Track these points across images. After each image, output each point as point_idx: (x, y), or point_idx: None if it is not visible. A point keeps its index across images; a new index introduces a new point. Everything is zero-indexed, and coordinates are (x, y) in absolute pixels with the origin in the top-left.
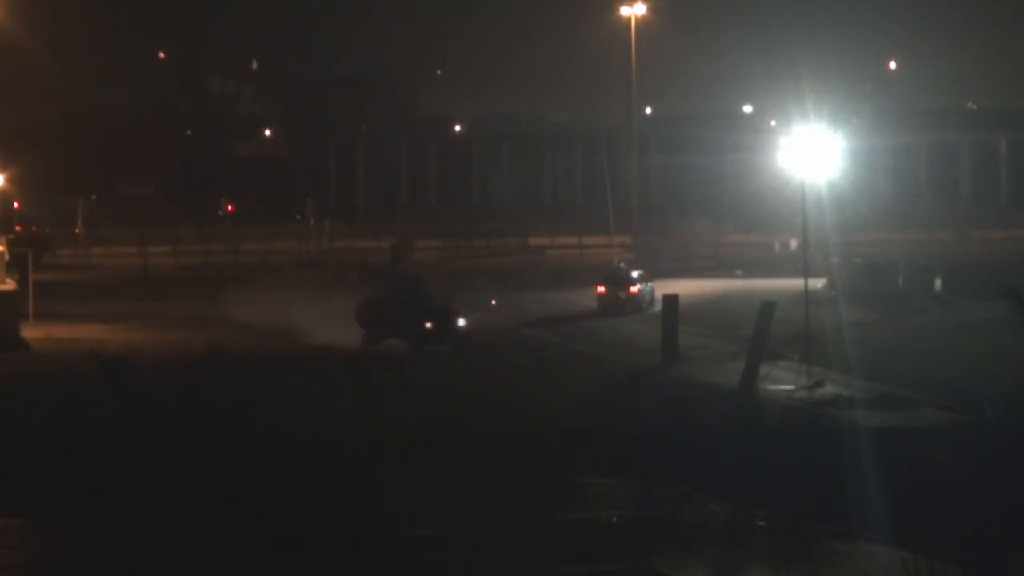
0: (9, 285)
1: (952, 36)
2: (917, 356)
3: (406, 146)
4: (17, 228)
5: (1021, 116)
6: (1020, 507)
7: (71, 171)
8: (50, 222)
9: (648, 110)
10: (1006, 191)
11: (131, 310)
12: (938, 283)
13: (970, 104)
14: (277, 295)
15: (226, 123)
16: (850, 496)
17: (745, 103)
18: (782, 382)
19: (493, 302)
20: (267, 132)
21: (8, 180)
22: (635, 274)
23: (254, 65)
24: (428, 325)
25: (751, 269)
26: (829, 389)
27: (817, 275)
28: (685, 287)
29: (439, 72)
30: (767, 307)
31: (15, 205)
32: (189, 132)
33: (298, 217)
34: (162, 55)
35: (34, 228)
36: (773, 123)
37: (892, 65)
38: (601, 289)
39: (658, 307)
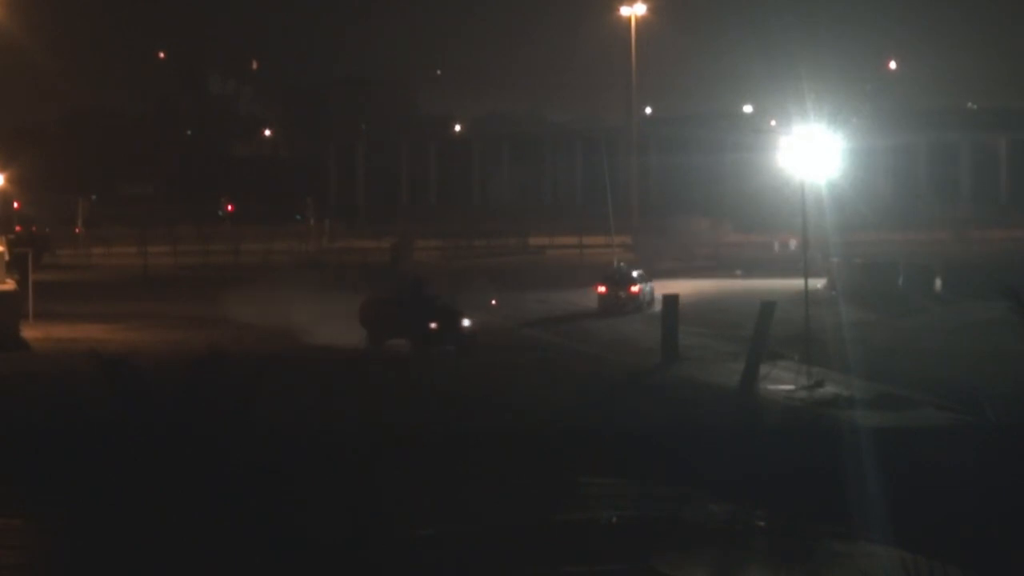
0: (9, 285)
1: (952, 36)
2: (917, 356)
3: (406, 146)
4: (17, 228)
5: (1021, 116)
6: (1020, 507)
7: (71, 171)
8: (50, 222)
9: (648, 110)
10: (1006, 191)
11: (131, 310)
12: (938, 283)
13: (970, 104)
14: (277, 295)
15: (226, 123)
16: (850, 496)
17: (745, 103)
18: (782, 382)
19: (493, 302)
20: (267, 132)
21: (8, 180)
22: (635, 274)
23: (254, 65)
24: (433, 326)
25: (751, 269)
26: (829, 389)
27: (817, 275)
28: (685, 287)
29: (439, 72)
30: (767, 307)
31: (15, 205)
32: (189, 132)
33: (298, 217)
34: (162, 55)
35: (34, 228)
36: (773, 123)
37: (892, 65)
38: (602, 289)
39: (658, 307)
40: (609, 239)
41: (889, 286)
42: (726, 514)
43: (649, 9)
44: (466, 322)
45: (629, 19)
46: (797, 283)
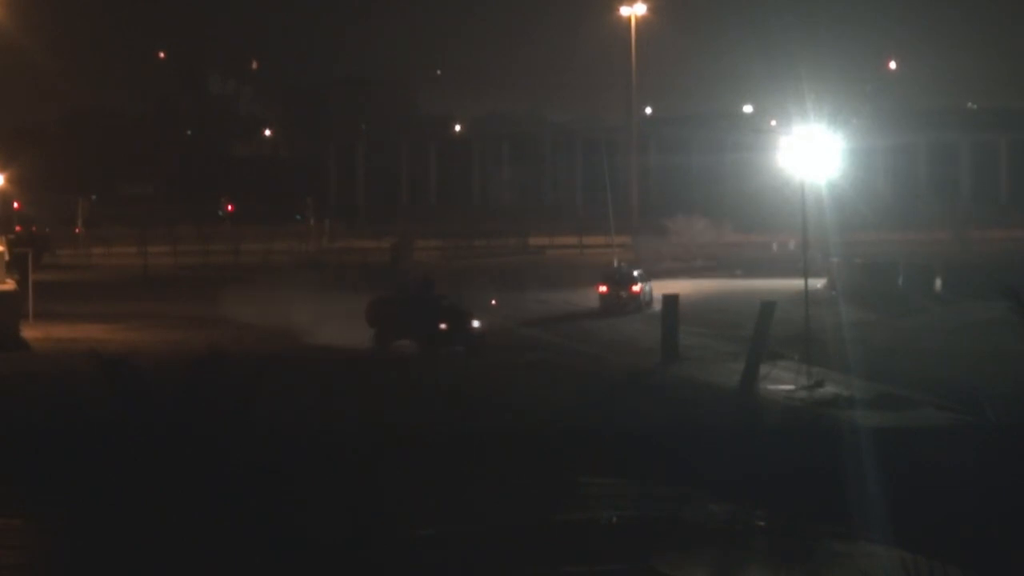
0: (9, 285)
1: (952, 36)
2: (917, 356)
3: (406, 146)
4: (17, 228)
5: (1021, 116)
6: (1020, 507)
7: (71, 171)
8: (50, 222)
9: (648, 110)
10: (1006, 191)
11: (131, 310)
12: (938, 283)
13: (970, 104)
14: (277, 295)
15: (226, 123)
16: (850, 496)
17: (745, 103)
18: (782, 382)
19: (493, 302)
20: (267, 132)
21: (8, 180)
22: (636, 273)
23: (254, 65)
24: (442, 326)
25: (751, 269)
26: (829, 389)
27: (817, 275)
28: (685, 287)
29: (439, 72)
30: (767, 307)
31: (15, 205)
32: (189, 132)
33: (298, 217)
34: (162, 55)
35: (34, 228)
36: (773, 123)
37: (892, 65)
38: (603, 289)
39: (657, 307)
40: (609, 239)
41: (889, 286)
42: (726, 514)
43: (649, 9)
44: (475, 323)
45: (629, 19)
46: (797, 283)
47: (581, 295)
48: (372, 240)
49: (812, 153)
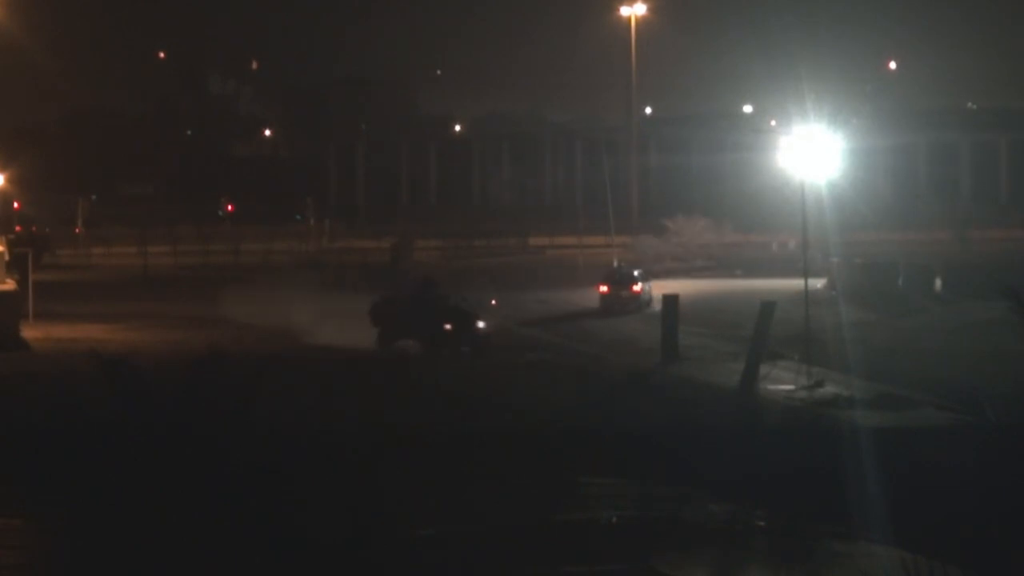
0: (9, 285)
1: (952, 36)
2: (917, 356)
3: (406, 146)
4: (17, 228)
5: (1021, 116)
6: (1020, 507)
7: (71, 171)
8: (50, 222)
9: (648, 110)
10: (1006, 191)
11: (131, 310)
12: (938, 283)
13: (970, 104)
14: (277, 295)
15: (226, 123)
16: (850, 496)
17: (745, 103)
18: (782, 382)
19: (493, 302)
20: (267, 132)
21: (8, 180)
22: (636, 273)
23: (254, 65)
24: (447, 327)
25: (751, 269)
26: (829, 389)
27: (817, 275)
28: (685, 287)
29: (439, 72)
30: (767, 307)
31: (15, 205)
32: (189, 132)
33: (298, 217)
34: (162, 55)
35: (34, 228)
36: (773, 123)
37: (892, 65)
38: (604, 288)
39: (657, 307)
40: (609, 239)
41: (889, 286)
42: (726, 514)
43: (649, 9)
44: (481, 324)
45: (629, 19)
46: (797, 283)
47: (581, 295)
48: (372, 240)
49: (812, 153)
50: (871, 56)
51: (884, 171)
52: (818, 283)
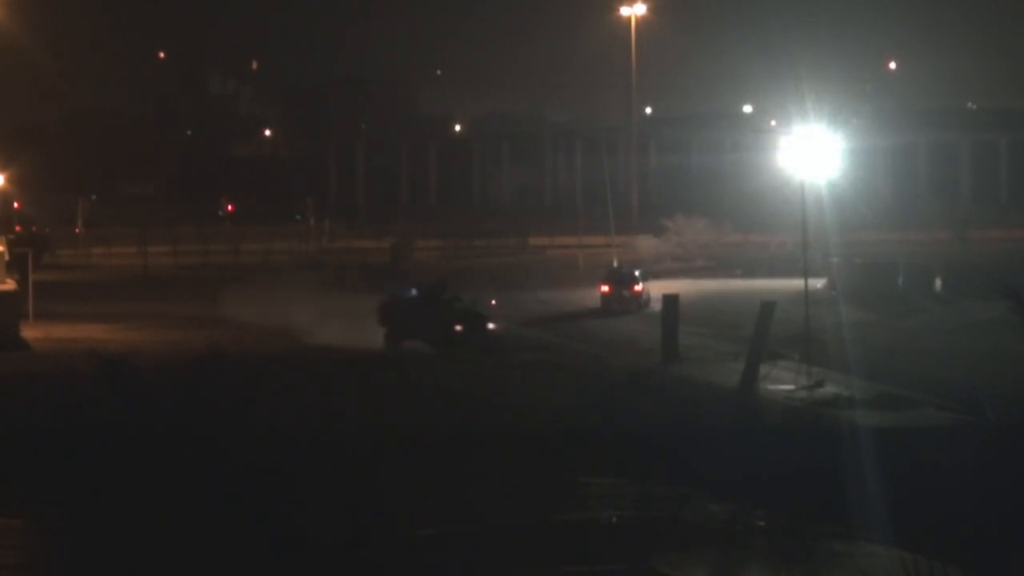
0: (9, 285)
1: (952, 36)
2: (917, 356)
3: (406, 146)
4: (17, 228)
5: (1021, 116)
6: (1020, 507)
7: (71, 171)
8: (50, 222)
9: (648, 110)
10: (1006, 191)
11: (131, 310)
12: (938, 283)
13: (970, 104)
14: (277, 295)
15: (226, 123)
16: (850, 496)
17: (745, 103)
18: (782, 382)
19: (493, 302)
20: (267, 132)
21: (8, 180)
22: (637, 273)
23: (254, 65)
24: (458, 328)
25: (751, 269)
26: (829, 389)
27: (817, 275)
28: (685, 287)
29: (439, 72)
30: (767, 307)
31: (15, 205)
32: (189, 132)
33: (298, 217)
34: (162, 55)
35: (34, 228)
36: (773, 123)
37: (892, 65)
38: (605, 288)
39: (656, 307)
40: (609, 239)
41: (889, 286)
42: (726, 514)
43: (649, 9)
44: (491, 325)
45: (629, 19)
46: (797, 283)
47: (581, 295)
48: (372, 240)
49: (812, 153)
50: (871, 56)
51: (884, 171)
52: (818, 283)
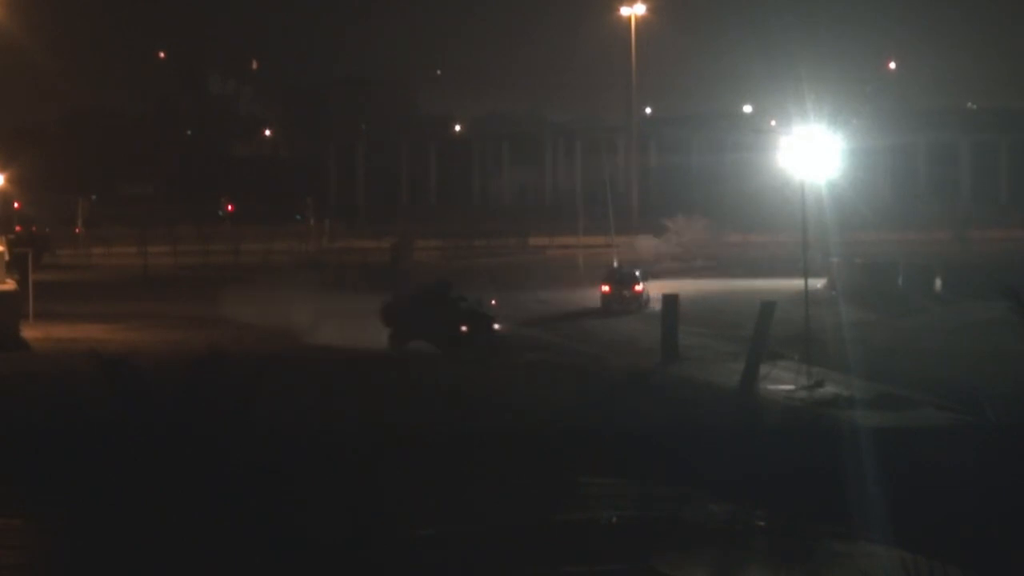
0: (9, 285)
1: (952, 36)
2: (917, 356)
3: (406, 146)
4: (17, 228)
5: (1021, 116)
6: (1020, 507)
7: (71, 171)
8: (50, 222)
9: (648, 110)
10: (1006, 191)
11: (131, 310)
12: (938, 283)
13: (970, 104)
14: (277, 295)
15: (226, 123)
16: (850, 496)
17: (745, 103)
18: (782, 382)
19: (493, 302)
20: (267, 132)
21: (8, 180)
22: (638, 273)
23: (254, 65)
24: (464, 328)
25: (751, 269)
26: (829, 389)
27: (817, 275)
28: (685, 287)
29: (439, 72)
30: (767, 307)
31: (15, 205)
32: (189, 132)
33: (298, 217)
34: (162, 55)
35: (34, 228)
36: (773, 123)
37: (892, 65)
38: (606, 288)
39: (655, 307)
40: (609, 239)
41: (889, 286)
42: (726, 514)
43: (649, 9)
44: (497, 325)
45: (629, 19)
46: (797, 283)
47: (581, 295)
48: (372, 240)
49: (812, 153)
50: (871, 56)
51: (884, 171)
52: (818, 283)
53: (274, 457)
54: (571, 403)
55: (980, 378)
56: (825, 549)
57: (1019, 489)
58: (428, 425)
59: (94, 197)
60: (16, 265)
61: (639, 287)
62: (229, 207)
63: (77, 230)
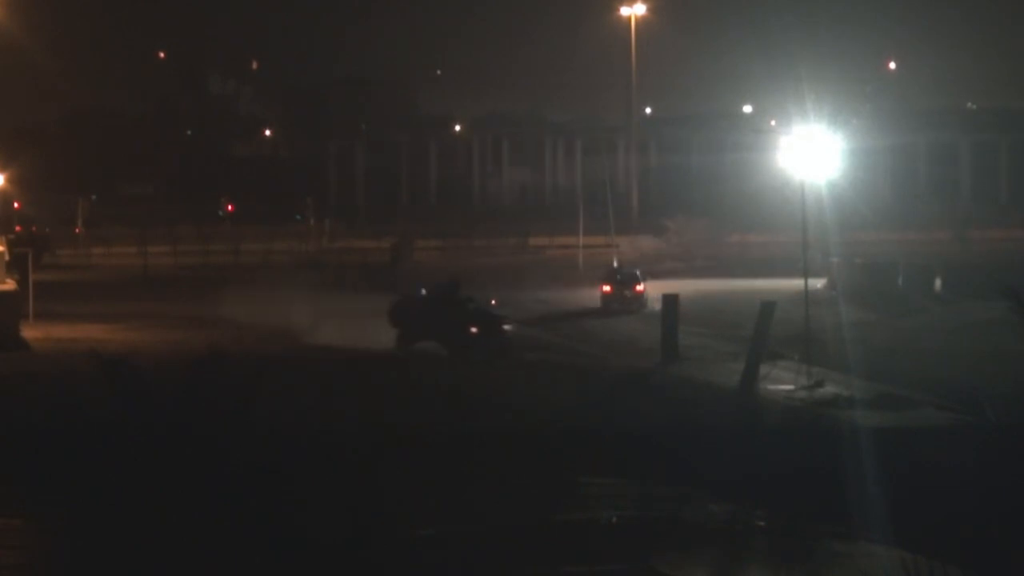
0: (9, 285)
1: (952, 36)
2: (917, 356)
3: (406, 146)
4: (17, 228)
5: (1021, 116)
6: (1020, 507)
7: (71, 171)
8: (50, 222)
9: (648, 110)
10: (1006, 191)
11: (131, 310)
12: (938, 283)
13: (970, 104)
14: (277, 295)
15: (226, 123)
16: (850, 496)
17: (745, 103)
18: (782, 382)
19: (493, 302)
20: (267, 132)
21: (8, 180)
22: (638, 272)
23: (254, 65)
24: (473, 330)
25: (751, 269)
26: (829, 389)
27: (817, 275)
28: (685, 287)
29: (439, 72)
30: (767, 307)
31: (15, 205)
32: (189, 132)
33: (298, 217)
34: (162, 55)
35: (34, 228)
36: (773, 123)
37: (892, 65)
38: (606, 288)
39: (656, 307)
40: (609, 239)
41: (889, 286)
42: (726, 514)
43: (649, 9)
44: (507, 327)
45: (629, 19)
46: (797, 283)
47: (581, 295)
48: (372, 240)
49: (812, 153)
50: (871, 56)
51: (884, 171)
52: (818, 283)
53: (274, 457)
54: (571, 403)
55: (980, 378)
56: (825, 549)
57: (1019, 489)
58: (428, 425)
59: (94, 197)
60: (16, 265)
61: (639, 287)
62: (229, 207)
63: (77, 230)
